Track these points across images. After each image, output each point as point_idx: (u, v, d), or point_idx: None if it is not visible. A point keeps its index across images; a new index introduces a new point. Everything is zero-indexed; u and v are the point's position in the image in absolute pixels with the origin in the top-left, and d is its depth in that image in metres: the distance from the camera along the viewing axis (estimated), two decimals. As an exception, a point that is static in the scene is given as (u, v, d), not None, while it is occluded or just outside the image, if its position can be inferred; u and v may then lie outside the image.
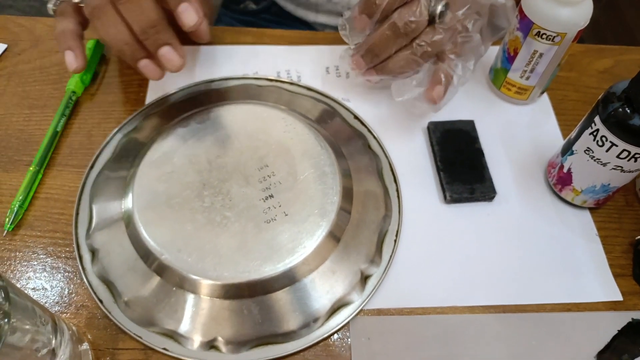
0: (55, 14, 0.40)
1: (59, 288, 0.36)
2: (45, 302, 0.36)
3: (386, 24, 0.39)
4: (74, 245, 0.38)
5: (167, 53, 0.37)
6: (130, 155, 0.41)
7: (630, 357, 0.36)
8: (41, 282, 0.37)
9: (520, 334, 0.37)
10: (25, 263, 0.37)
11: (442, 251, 0.40)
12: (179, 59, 0.38)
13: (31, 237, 0.39)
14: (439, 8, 0.39)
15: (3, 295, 0.24)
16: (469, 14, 0.41)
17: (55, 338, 0.29)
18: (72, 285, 0.37)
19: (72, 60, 0.38)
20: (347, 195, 0.39)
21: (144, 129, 0.43)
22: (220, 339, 0.34)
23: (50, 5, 0.40)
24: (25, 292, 0.33)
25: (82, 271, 0.37)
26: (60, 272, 0.37)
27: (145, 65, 0.38)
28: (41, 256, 0.38)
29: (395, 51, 0.41)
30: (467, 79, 0.44)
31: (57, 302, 0.36)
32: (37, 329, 0.27)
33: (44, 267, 0.37)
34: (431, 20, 0.40)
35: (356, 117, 0.46)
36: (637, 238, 0.40)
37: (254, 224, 0.37)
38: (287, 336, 0.35)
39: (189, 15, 0.36)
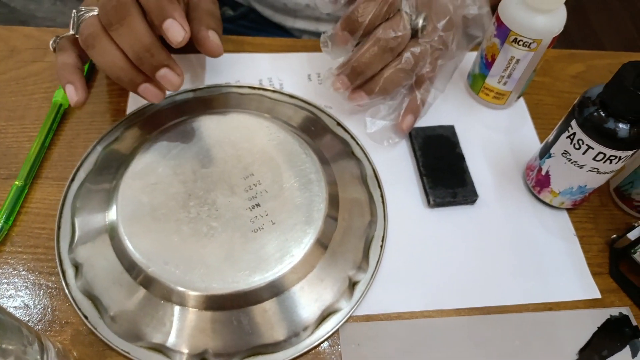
0: (55, 51, 0.40)
1: (42, 305, 0.36)
2: (29, 320, 0.35)
3: (370, 40, 0.40)
4: (56, 261, 0.37)
5: (165, 75, 0.37)
6: (112, 166, 0.40)
7: (609, 352, 0.37)
8: (23, 300, 0.36)
9: (505, 335, 0.37)
10: (6, 281, 0.36)
11: (426, 255, 0.40)
12: (177, 78, 0.37)
13: (12, 254, 0.38)
14: (421, 21, 0.40)
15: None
16: (449, 27, 0.42)
17: (42, 358, 0.28)
18: (55, 302, 0.36)
19: (73, 93, 0.37)
20: (334, 202, 0.39)
21: (126, 140, 0.42)
22: (209, 351, 0.34)
23: (51, 43, 0.40)
24: (8, 311, 0.32)
25: (65, 287, 0.36)
26: (43, 289, 0.36)
27: (145, 89, 0.37)
28: (23, 273, 0.37)
29: (381, 68, 0.41)
30: (436, 99, 0.46)
31: (40, 320, 0.35)
32: (24, 349, 0.26)
33: (26, 284, 0.36)
34: (413, 35, 0.40)
35: (339, 124, 0.46)
36: (612, 237, 0.42)
37: (241, 233, 0.37)
38: (278, 346, 0.35)
39: (175, 32, 0.36)
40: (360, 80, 0.42)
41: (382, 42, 0.39)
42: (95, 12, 0.36)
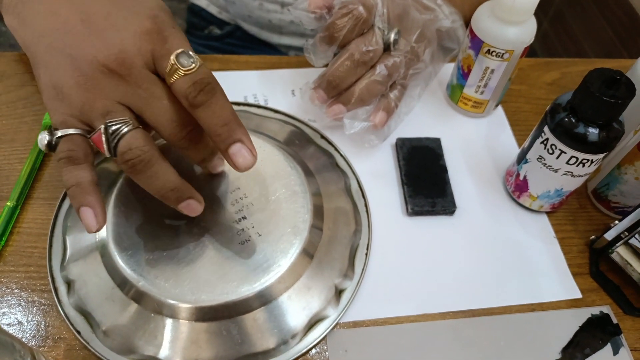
0: (57, 154, 0.32)
1: (36, 322, 0.36)
2: (22, 337, 0.36)
3: (344, 54, 0.41)
4: (49, 278, 0.38)
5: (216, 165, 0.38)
6: (102, 184, 0.41)
7: (591, 350, 0.38)
8: (17, 317, 0.36)
9: (490, 336, 0.38)
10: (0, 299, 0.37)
11: (410, 261, 0.41)
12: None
13: (5, 272, 0.38)
14: (392, 36, 0.42)
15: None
16: (421, 39, 0.44)
17: (35, 372, 0.29)
18: (48, 318, 0.37)
19: (92, 220, 0.31)
20: (318, 212, 0.40)
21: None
22: (201, 361, 0.35)
23: (45, 137, 0.32)
24: (1, 327, 0.33)
25: (58, 303, 0.37)
26: (35, 306, 0.37)
27: (187, 205, 0.34)
28: (15, 291, 0.38)
29: (355, 80, 0.43)
30: (412, 107, 0.47)
31: (34, 336, 0.36)
32: (18, 363, 0.27)
33: (19, 301, 0.37)
34: (386, 48, 0.42)
35: (323, 137, 0.47)
36: (591, 238, 0.43)
37: (229, 246, 0.38)
38: (267, 354, 0.36)
39: (244, 158, 0.32)
40: (336, 92, 0.43)
41: (355, 56, 0.41)
42: (130, 127, 0.31)
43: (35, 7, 0.32)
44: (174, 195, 0.33)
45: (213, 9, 0.72)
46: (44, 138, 0.32)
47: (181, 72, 0.30)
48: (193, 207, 0.34)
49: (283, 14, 0.65)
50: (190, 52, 0.30)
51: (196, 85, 0.30)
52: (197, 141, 0.33)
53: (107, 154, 0.31)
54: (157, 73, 0.32)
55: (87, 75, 0.30)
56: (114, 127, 0.31)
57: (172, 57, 0.30)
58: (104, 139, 0.31)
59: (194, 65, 0.30)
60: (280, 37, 0.69)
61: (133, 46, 0.31)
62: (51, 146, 0.32)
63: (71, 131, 0.31)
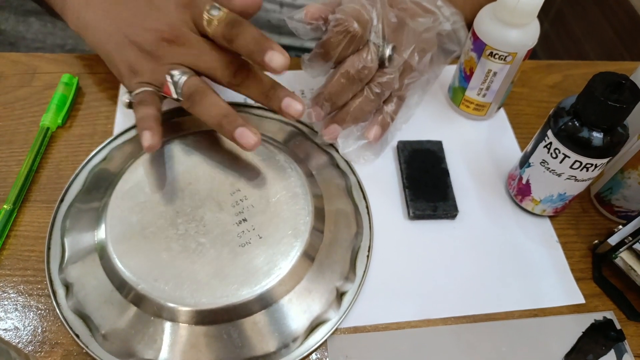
0: (132, 105, 0.41)
1: (32, 327, 0.36)
2: (18, 342, 0.35)
3: (339, 72, 0.41)
4: (47, 281, 0.37)
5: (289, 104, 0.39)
6: (101, 186, 0.41)
7: (594, 356, 0.38)
8: (13, 322, 0.36)
9: (492, 342, 0.38)
10: (-4, 303, 0.37)
11: (411, 266, 0.41)
12: (300, 105, 0.39)
13: (1, 277, 0.38)
14: (387, 52, 0.41)
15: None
16: (414, 52, 0.43)
17: (32, 379, 0.28)
18: (45, 323, 0.36)
19: (149, 137, 0.38)
20: (319, 214, 0.40)
21: (114, 160, 0.43)
22: (200, 366, 0.34)
23: (125, 99, 0.41)
24: (-2, 333, 0.32)
25: (56, 307, 0.36)
26: (32, 311, 0.37)
27: (241, 132, 0.38)
28: (12, 295, 0.37)
29: (352, 97, 0.43)
30: (410, 115, 0.47)
31: (30, 342, 0.35)
32: (13, 371, 0.27)
33: (15, 306, 0.37)
34: (381, 64, 0.42)
35: (323, 138, 0.47)
36: (594, 243, 0.43)
37: (229, 248, 0.37)
38: (268, 358, 0.35)
39: (277, 61, 0.37)
40: (332, 109, 0.43)
41: (350, 73, 0.41)
42: (188, 75, 0.39)
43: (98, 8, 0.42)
44: (226, 121, 0.38)
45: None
46: (125, 99, 0.41)
47: (215, 22, 0.38)
48: (246, 135, 0.38)
49: (282, 13, 0.64)
50: (216, 4, 0.38)
51: (227, 25, 0.38)
52: (247, 76, 0.40)
53: (174, 97, 0.40)
54: (201, 33, 0.40)
55: (151, 50, 0.40)
56: (176, 78, 0.39)
57: (205, 14, 0.38)
58: (171, 88, 0.39)
59: (222, 12, 0.38)
60: (280, 38, 0.68)
61: (177, 19, 0.40)
62: (130, 105, 0.41)
63: (144, 88, 0.40)
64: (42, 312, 0.37)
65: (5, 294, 0.37)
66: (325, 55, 0.41)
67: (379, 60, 0.42)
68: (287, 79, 0.51)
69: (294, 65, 0.53)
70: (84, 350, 0.35)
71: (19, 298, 0.37)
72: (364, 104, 0.43)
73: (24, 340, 0.35)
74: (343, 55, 0.41)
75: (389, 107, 0.45)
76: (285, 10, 0.64)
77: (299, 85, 0.51)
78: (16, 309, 0.37)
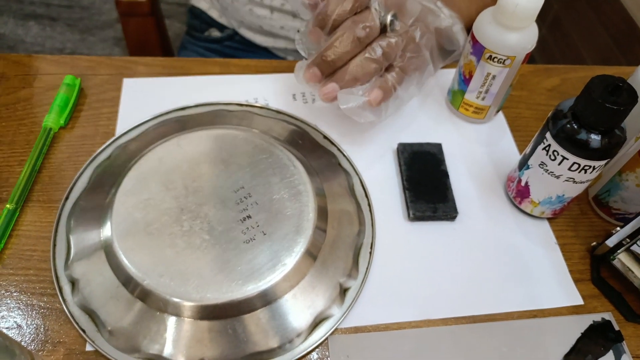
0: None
1: (35, 325, 0.36)
2: (21, 340, 0.35)
3: (340, 30, 0.40)
4: (53, 278, 0.37)
5: None
6: (105, 184, 0.41)
7: (593, 357, 0.38)
8: (16, 321, 0.36)
9: (492, 343, 0.38)
10: (-2, 302, 0.37)
11: (411, 267, 0.41)
12: None
13: (4, 276, 0.38)
14: (389, 17, 0.41)
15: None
16: (417, 25, 0.43)
17: (35, 376, 0.28)
18: (48, 322, 0.36)
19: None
20: (322, 212, 0.40)
21: (118, 158, 0.43)
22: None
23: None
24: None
25: (62, 303, 0.36)
26: (35, 309, 0.37)
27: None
28: (15, 294, 0.37)
29: (350, 59, 0.41)
30: (412, 93, 0.45)
31: (33, 340, 0.35)
32: (18, 368, 0.27)
33: (18, 305, 0.37)
34: (382, 30, 0.42)
35: (325, 137, 0.47)
36: (592, 244, 0.43)
37: (234, 244, 0.38)
38: (272, 353, 0.36)
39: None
40: (330, 70, 0.42)
41: (350, 31, 0.40)
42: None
43: None
44: None
45: (214, 13, 0.72)
46: None
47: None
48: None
49: (272, 19, 0.65)
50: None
51: None
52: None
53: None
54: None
55: None
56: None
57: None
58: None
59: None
60: (275, 41, 0.69)
61: None
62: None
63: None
64: (45, 310, 0.37)
65: (8, 293, 0.37)
66: (324, 20, 0.40)
67: (380, 24, 0.41)
68: (285, 81, 0.52)
69: (293, 68, 0.53)
70: (88, 348, 0.35)
71: (21, 297, 0.37)
72: (364, 62, 0.41)
73: (27, 339, 0.35)
74: (340, 19, 0.40)
75: (391, 75, 0.43)
76: (276, 15, 0.65)
77: (296, 89, 0.51)
78: (19, 308, 0.37)
